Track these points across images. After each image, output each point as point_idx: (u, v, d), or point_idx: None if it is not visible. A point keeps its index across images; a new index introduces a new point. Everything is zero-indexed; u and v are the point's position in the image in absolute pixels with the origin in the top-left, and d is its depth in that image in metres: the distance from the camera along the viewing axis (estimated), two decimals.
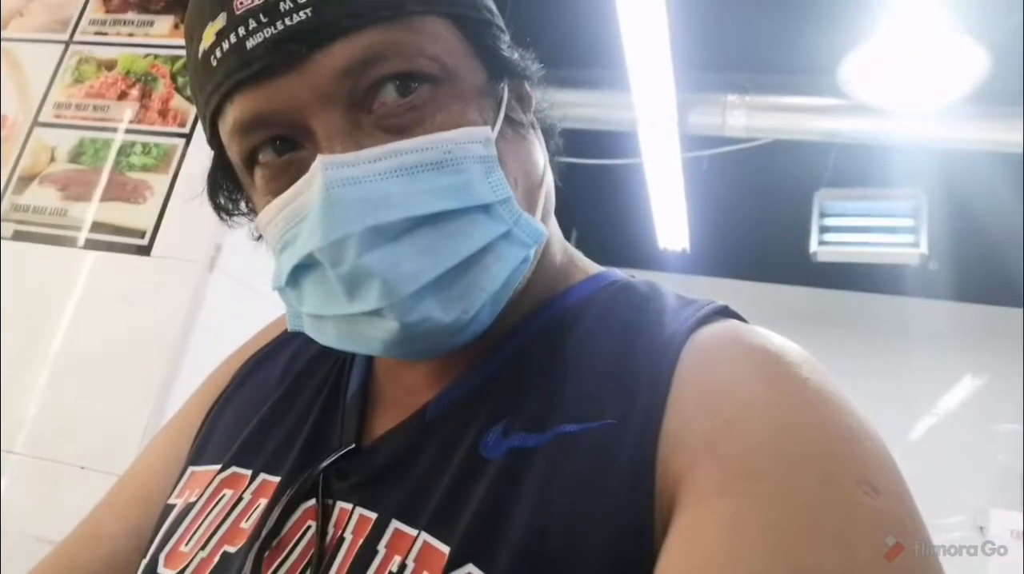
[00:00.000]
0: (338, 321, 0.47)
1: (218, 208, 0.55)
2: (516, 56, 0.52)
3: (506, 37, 0.52)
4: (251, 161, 0.48)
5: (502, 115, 0.49)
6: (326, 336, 0.49)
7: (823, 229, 3.10)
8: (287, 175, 0.46)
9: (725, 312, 0.51)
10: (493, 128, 0.48)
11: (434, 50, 0.46)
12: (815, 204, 3.12)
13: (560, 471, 0.43)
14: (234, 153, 0.49)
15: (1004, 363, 3.77)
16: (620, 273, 0.58)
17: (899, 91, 2.58)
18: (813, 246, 3.07)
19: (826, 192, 3.12)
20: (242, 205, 0.54)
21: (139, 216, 1.47)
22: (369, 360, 0.58)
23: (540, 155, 0.53)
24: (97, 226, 1.48)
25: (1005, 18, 2.34)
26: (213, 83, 0.46)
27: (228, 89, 0.45)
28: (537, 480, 0.43)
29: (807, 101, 2.80)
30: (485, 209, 0.46)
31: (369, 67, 0.44)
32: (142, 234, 1.46)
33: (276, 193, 0.47)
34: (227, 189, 0.54)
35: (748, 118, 2.85)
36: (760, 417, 0.41)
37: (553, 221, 0.56)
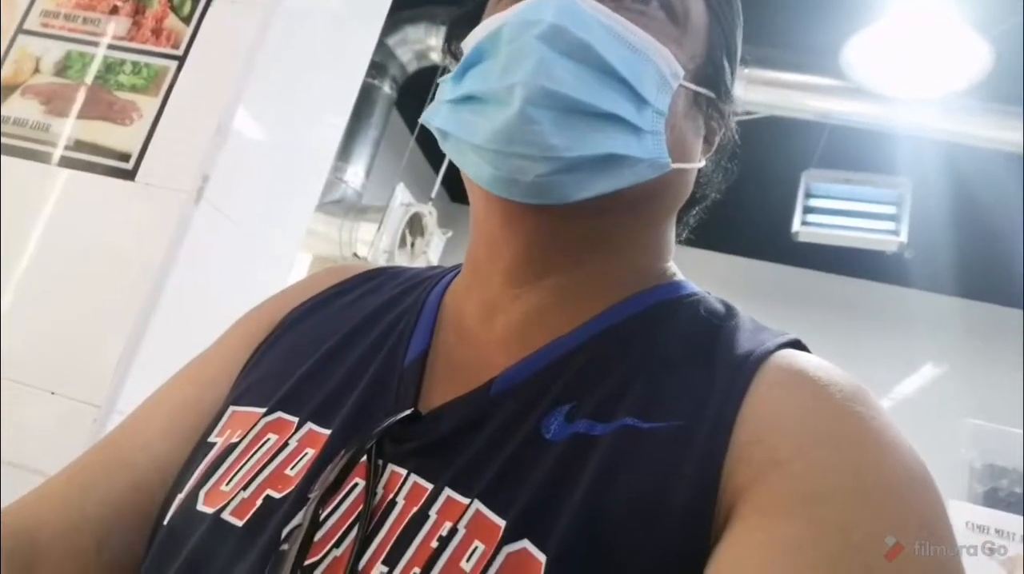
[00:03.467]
0: (463, 103, 0.51)
1: (449, 52, 0.60)
2: (726, 78, 0.58)
3: (733, 60, 0.60)
4: None
5: (697, 88, 0.55)
6: (446, 119, 0.52)
7: (807, 210, 3.11)
8: None
9: (798, 345, 0.52)
10: (687, 82, 0.53)
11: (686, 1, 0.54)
12: (801, 184, 3.13)
13: (623, 462, 0.44)
14: None
15: (968, 356, 3.85)
16: (697, 287, 0.59)
17: (899, 78, 2.57)
18: (795, 225, 3.09)
19: (813, 173, 3.12)
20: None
21: (125, 138, 1.41)
22: (435, 321, 0.58)
23: (694, 152, 0.57)
24: (80, 144, 1.42)
25: (1010, 16, 2.33)
26: None
27: None
28: (599, 467, 0.44)
29: (806, 79, 2.79)
30: (640, 101, 0.50)
31: None
32: (127, 157, 1.41)
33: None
34: (460, 37, 0.57)
35: (745, 91, 2.83)
36: (832, 448, 0.42)
37: (672, 236, 0.60)
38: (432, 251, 3.16)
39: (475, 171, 0.51)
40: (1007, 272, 3.43)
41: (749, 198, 3.52)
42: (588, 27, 0.49)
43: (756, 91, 2.83)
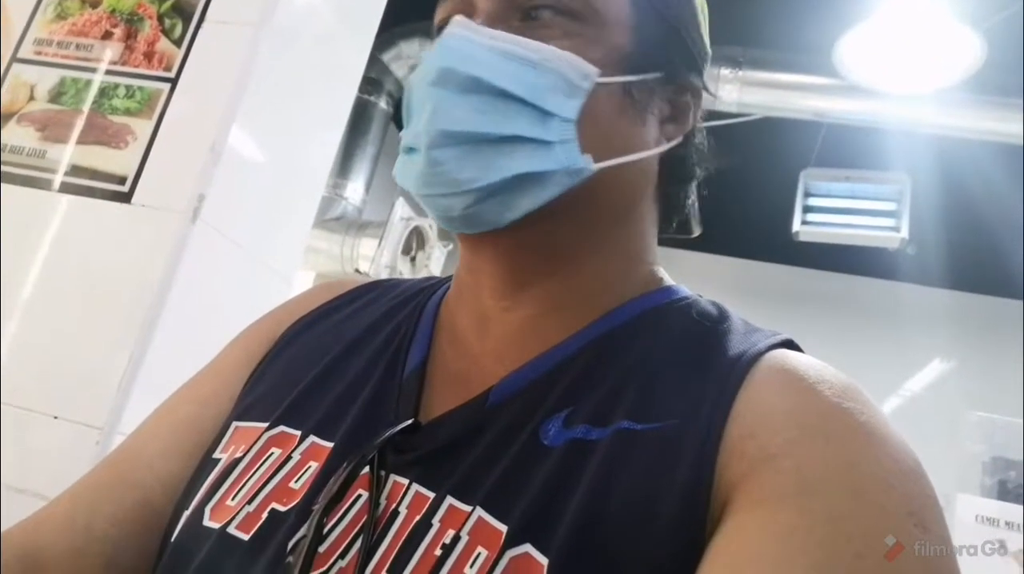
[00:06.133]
0: (404, 153, 0.54)
1: None
2: (673, 53, 0.57)
3: (686, 36, 0.58)
4: (439, 31, 0.57)
5: (624, 79, 0.54)
6: (400, 172, 0.55)
7: (806, 209, 3.11)
8: None
9: (791, 344, 0.53)
10: (606, 77, 0.52)
11: None
12: (800, 183, 3.13)
13: (621, 464, 0.45)
14: (435, 24, 0.59)
15: (974, 350, 3.83)
16: (689, 290, 0.60)
17: (893, 74, 2.57)
18: (796, 225, 3.09)
19: (812, 172, 3.13)
20: None
21: (120, 161, 1.42)
22: (432, 332, 0.59)
23: (635, 142, 0.55)
24: (76, 169, 1.43)
25: (1002, 8, 2.33)
26: None
27: None
28: (597, 470, 0.45)
29: (800, 79, 2.79)
30: (543, 114, 0.51)
31: None
32: (122, 180, 1.42)
33: None
34: None
35: (740, 93, 2.83)
36: (823, 442, 0.43)
37: (651, 232, 0.60)
38: (434, 263, 3.17)
39: (428, 213, 0.55)
40: (1007, 264, 3.42)
41: (748, 199, 3.53)
42: (476, 60, 0.51)
43: (751, 93, 2.83)
